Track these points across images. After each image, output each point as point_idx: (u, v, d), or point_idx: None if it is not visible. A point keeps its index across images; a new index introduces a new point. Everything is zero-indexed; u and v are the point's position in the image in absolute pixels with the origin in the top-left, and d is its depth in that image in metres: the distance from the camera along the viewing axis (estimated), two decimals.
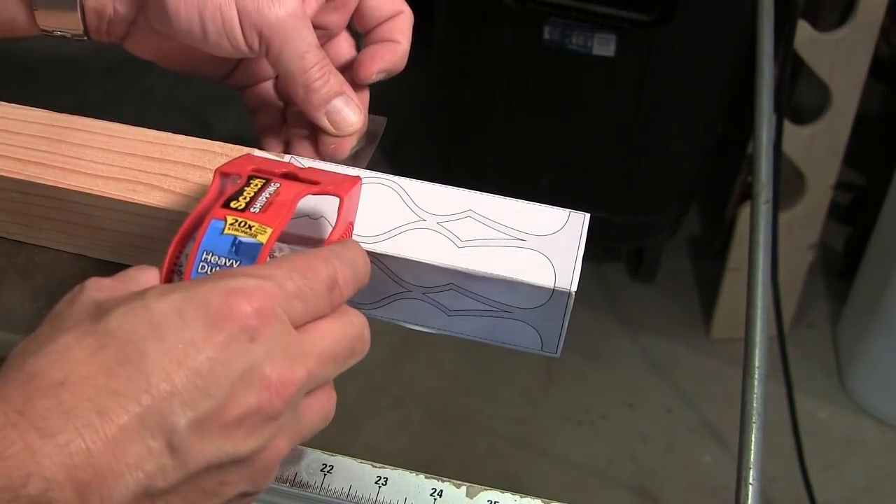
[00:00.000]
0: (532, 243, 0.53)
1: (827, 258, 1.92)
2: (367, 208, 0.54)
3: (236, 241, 0.44)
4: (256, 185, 0.47)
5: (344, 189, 0.49)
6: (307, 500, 0.57)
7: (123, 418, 0.37)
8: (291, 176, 0.49)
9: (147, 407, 0.38)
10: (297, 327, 0.42)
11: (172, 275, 0.46)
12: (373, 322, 0.57)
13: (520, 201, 0.55)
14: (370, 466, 0.57)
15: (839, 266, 1.91)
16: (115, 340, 0.39)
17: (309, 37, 0.56)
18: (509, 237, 0.53)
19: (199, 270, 0.44)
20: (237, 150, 0.58)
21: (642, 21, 1.47)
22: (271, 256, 0.46)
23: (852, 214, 1.90)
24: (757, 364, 0.77)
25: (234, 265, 0.44)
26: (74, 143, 0.58)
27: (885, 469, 1.69)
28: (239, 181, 0.48)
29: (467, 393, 1.75)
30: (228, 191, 0.47)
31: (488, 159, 1.75)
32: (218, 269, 0.44)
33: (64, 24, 0.58)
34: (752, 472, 0.71)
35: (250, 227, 0.44)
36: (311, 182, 0.49)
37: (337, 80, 0.58)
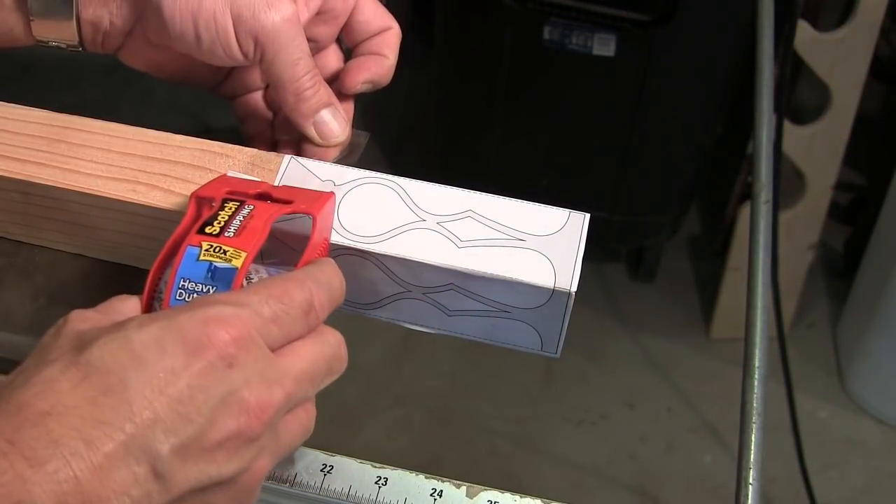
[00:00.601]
0: (532, 243, 0.53)
1: (827, 258, 1.92)
2: (367, 208, 0.54)
3: (212, 267, 0.45)
4: (230, 208, 0.48)
5: (316, 207, 0.50)
6: (307, 501, 0.57)
7: (109, 446, 0.39)
8: (265, 196, 0.50)
9: (131, 435, 0.39)
10: (274, 350, 0.43)
11: (153, 301, 0.47)
12: (372, 322, 0.57)
13: (520, 201, 0.55)
14: (370, 467, 0.57)
15: (839, 266, 1.91)
16: (98, 371, 0.40)
17: (302, 44, 0.56)
18: (509, 237, 0.53)
19: (177, 297, 0.45)
20: (237, 150, 0.58)
21: (642, 21, 1.47)
22: (248, 279, 0.47)
23: (852, 214, 1.90)
24: (757, 364, 0.77)
25: (211, 291, 0.45)
26: (74, 142, 0.58)
27: (885, 469, 1.69)
28: (214, 205, 0.49)
29: (467, 393, 1.75)
30: (204, 215, 0.48)
31: (488, 159, 1.75)
32: (195, 295, 0.45)
33: (60, 35, 0.59)
34: (752, 472, 0.71)
35: (225, 252, 0.46)
36: (285, 202, 0.50)
37: (326, 91, 0.59)
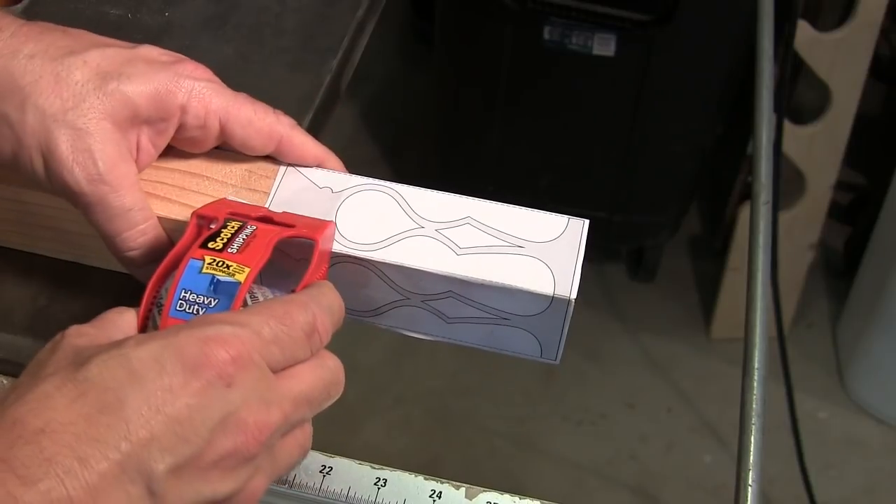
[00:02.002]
0: (531, 250, 0.53)
1: (827, 258, 1.92)
2: (365, 216, 0.54)
3: (214, 280, 0.45)
4: (233, 227, 0.48)
5: (318, 232, 0.50)
6: (306, 502, 0.57)
7: (103, 465, 0.38)
8: (267, 219, 0.50)
9: (126, 454, 0.39)
10: (275, 371, 0.43)
11: (150, 314, 0.46)
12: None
13: (518, 207, 0.55)
14: (369, 468, 0.57)
15: (839, 266, 1.91)
16: (94, 388, 0.40)
17: (119, 201, 0.52)
18: (508, 244, 0.53)
19: (178, 308, 0.45)
20: (232, 156, 0.58)
21: (642, 21, 1.47)
22: (251, 296, 0.47)
23: (852, 214, 1.90)
24: (757, 364, 0.77)
25: (213, 303, 0.45)
26: None
27: (885, 469, 1.69)
28: (216, 223, 0.48)
29: (467, 393, 1.75)
30: (205, 233, 0.48)
31: (488, 159, 1.75)
32: (196, 306, 0.45)
33: None
34: (751, 472, 0.71)
35: (228, 267, 0.45)
36: (287, 225, 0.49)
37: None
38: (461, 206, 0.55)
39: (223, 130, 0.55)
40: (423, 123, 1.92)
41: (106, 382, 0.40)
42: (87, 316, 0.59)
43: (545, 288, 0.51)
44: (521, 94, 1.64)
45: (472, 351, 0.56)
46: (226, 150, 0.58)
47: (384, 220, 0.54)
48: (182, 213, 0.55)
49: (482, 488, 0.57)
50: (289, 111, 0.59)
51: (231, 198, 0.55)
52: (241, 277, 0.45)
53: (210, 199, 0.56)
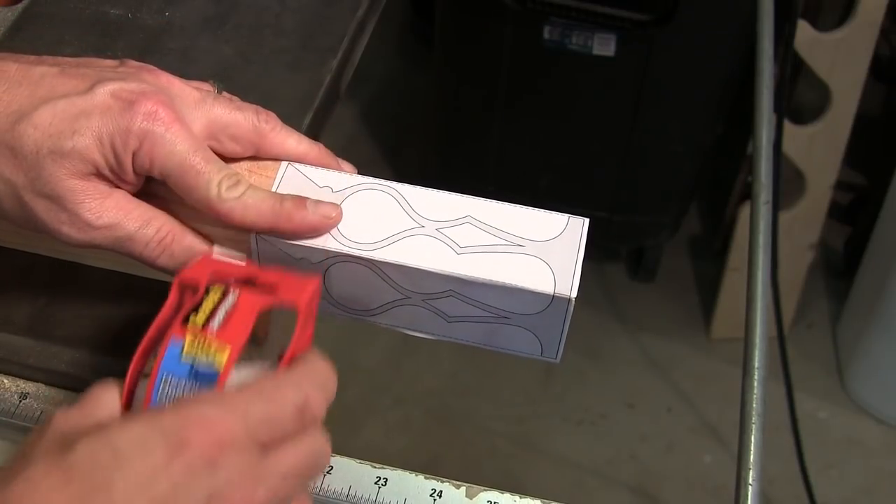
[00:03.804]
0: (531, 249, 0.53)
1: (827, 258, 1.92)
2: (366, 215, 0.54)
3: (195, 366, 0.45)
4: (215, 296, 0.48)
5: (302, 298, 0.49)
6: None
7: None
8: (250, 280, 0.50)
9: None
10: (263, 448, 0.43)
11: (136, 386, 0.47)
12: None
13: (518, 206, 0.55)
14: (370, 467, 0.57)
15: (839, 266, 1.91)
16: (80, 472, 0.40)
17: (123, 231, 0.53)
18: (508, 243, 0.53)
19: (159, 395, 0.45)
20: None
21: (642, 21, 1.47)
22: (236, 366, 0.47)
23: (852, 214, 1.90)
24: (757, 364, 0.77)
25: (194, 389, 0.45)
26: None
27: (885, 469, 1.69)
28: (198, 291, 0.48)
29: (467, 393, 1.75)
30: (188, 303, 0.48)
31: (488, 159, 1.75)
32: (177, 390, 0.45)
33: None
34: (751, 472, 0.71)
35: (209, 348, 0.45)
36: (270, 288, 0.49)
37: None
38: (461, 205, 0.55)
39: (170, 179, 0.53)
40: (423, 123, 1.92)
41: (92, 466, 0.40)
42: (86, 316, 0.60)
43: (545, 286, 0.51)
44: (521, 94, 1.64)
45: (472, 351, 0.56)
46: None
47: (384, 220, 0.54)
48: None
49: (482, 487, 0.57)
50: (289, 111, 0.59)
51: (216, 253, 0.55)
52: (222, 359, 0.45)
53: None
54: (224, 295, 0.48)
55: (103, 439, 0.41)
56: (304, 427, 0.45)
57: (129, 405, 0.46)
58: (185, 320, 0.46)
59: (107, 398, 0.46)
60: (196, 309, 0.47)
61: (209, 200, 0.52)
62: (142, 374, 0.47)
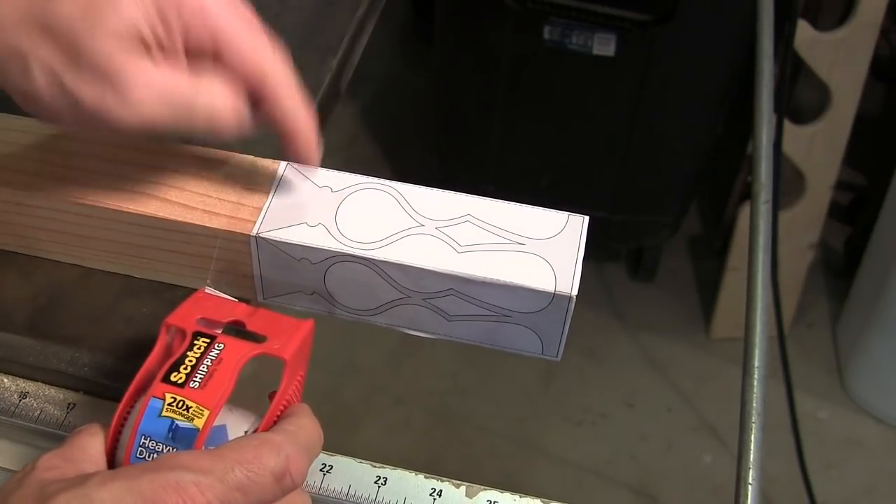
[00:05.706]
0: (531, 247, 0.53)
1: (827, 258, 1.92)
2: (365, 214, 0.54)
3: (173, 426, 0.45)
4: (199, 347, 0.48)
5: (289, 350, 0.49)
6: None
7: None
8: (238, 326, 0.50)
9: None
10: None
11: (120, 434, 0.47)
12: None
13: (518, 205, 0.55)
14: (369, 466, 0.57)
15: (839, 266, 1.91)
16: None
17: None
18: (508, 241, 0.53)
19: (138, 455, 0.45)
20: (234, 157, 0.58)
21: (642, 21, 1.47)
22: (228, 408, 0.47)
23: (852, 214, 1.90)
24: (757, 364, 0.77)
25: (171, 451, 0.45)
26: (67, 152, 0.58)
27: (885, 469, 1.69)
28: (184, 340, 0.48)
29: (467, 393, 1.75)
30: (172, 354, 0.48)
31: (488, 159, 1.75)
32: (155, 454, 0.45)
33: None
34: (751, 472, 0.71)
35: (188, 409, 0.46)
36: (257, 337, 0.49)
37: None
38: (461, 203, 0.55)
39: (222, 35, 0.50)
40: (423, 123, 1.92)
41: None
42: (86, 316, 0.60)
43: (546, 285, 0.51)
44: (521, 94, 1.64)
45: (472, 351, 0.56)
46: (225, 151, 0.58)
47: (384, 219, 0.54)
48: (181, 214, 0.55)
49: (482, 487, 0.57)
50: None
51: (207, 290, 0.55)
52: (199, 423, 0.45)
53: (210, 199, 0.56)
54: (209, 347, 0.48)
55: (81, 497, 0.41)
56: (283, 493, 0.44)
57: (112, 452, 0.47)
58: (167, 379, 0.46)
59: (91, 445, 0.46)
60: (178, 366, 0.47)
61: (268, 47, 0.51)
62: (129, 418, 0.47)
